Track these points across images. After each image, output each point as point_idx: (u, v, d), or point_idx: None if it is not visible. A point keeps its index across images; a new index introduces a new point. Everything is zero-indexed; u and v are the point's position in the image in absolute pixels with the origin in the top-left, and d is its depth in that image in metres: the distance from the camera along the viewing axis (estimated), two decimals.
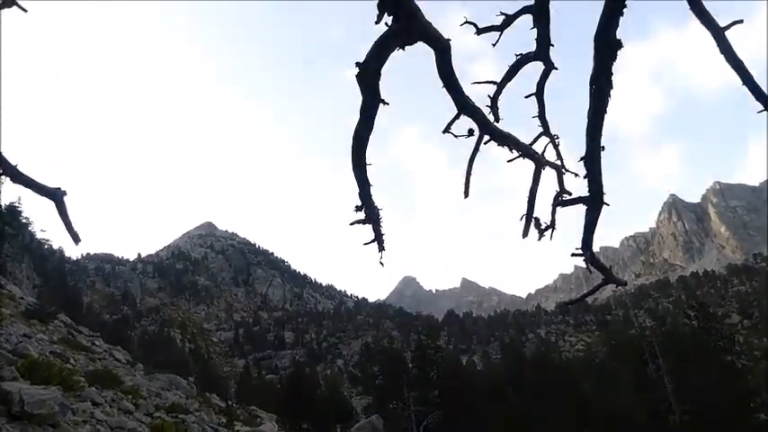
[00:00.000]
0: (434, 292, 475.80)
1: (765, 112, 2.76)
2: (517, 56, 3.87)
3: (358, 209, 3.10)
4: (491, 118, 4.10)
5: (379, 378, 45.49)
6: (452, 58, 2.79)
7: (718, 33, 2.68)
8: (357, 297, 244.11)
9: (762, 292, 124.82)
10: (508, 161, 3.67)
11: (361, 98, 2.67)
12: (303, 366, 70.13)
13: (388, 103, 2.62)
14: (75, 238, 2.29)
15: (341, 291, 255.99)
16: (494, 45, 3.98)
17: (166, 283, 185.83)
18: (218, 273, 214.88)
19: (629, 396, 30.60)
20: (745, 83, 2.75)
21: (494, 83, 3.91)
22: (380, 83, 2.67)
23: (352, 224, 3.41)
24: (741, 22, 2.79)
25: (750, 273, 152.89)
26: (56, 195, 2.24)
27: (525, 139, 4.09)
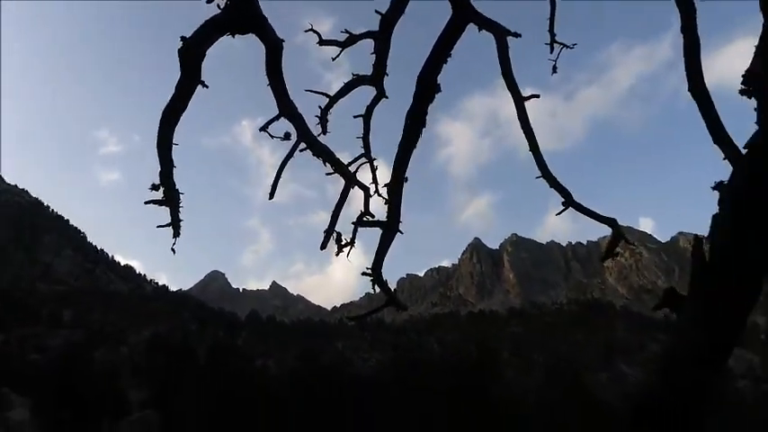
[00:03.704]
0: (241, 291, 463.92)
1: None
2: (354, 75, 4.00)
3: (155, 188, 2.91)
4: (318, 129, 4.18)
5: (164, 371, 42.89)
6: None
7: (519, 102, 3.06)
8: (157, 283, 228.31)
9: (532, 334, 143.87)
10: (326, 174, 3.75)
11: (180, 75, 2.54)
12: (79, 350, 63.48)
13: (207, 86, 2.52)
14: None
15: (140, 274, 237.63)
16: (333, 59, 4.07)
17: None
18: None
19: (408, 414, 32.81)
20: (531, 150, 3.16)
21: (326, 95, 3.97)
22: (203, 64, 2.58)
23: (147, 203, 3.19)
24: (538, 96, 3.22)
25: (525, 317, 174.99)
26: None
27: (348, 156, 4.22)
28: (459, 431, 33.35)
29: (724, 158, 2.55)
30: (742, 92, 1.94)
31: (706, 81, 2.77)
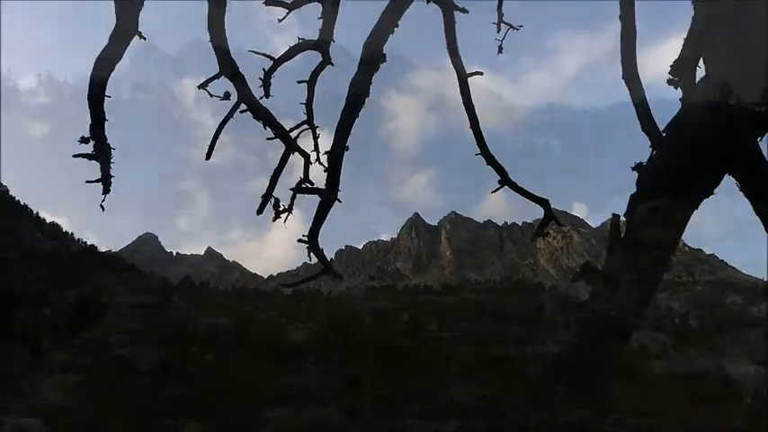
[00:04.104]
0: (174, 254, 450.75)
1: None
2: (300, 39, 3.91)
3: (84, 141, 2.77)
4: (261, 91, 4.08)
5: (89, 333, 41.56)
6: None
7: (463, 78, 3.10)
8: (85, 243, 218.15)
9: (464, 310, 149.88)
10: (267, 139, 3.68)
11: (115, 24, 2.41)
12: None
13: (145, 38, 2.40)
14: None
15: (67, 232, 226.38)
16: (280, 21, 3.97)
17: None
18: None
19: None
20: (471, 127, 3.22)
21: (271, 58, 3.87)
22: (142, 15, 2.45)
23: (75, 156, 3.04)
24: (481, 73, 3.27)
25: (458, 293, 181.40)
26: None
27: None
28: (385, 388, 34.43)
29: (650, 146, 2.69)
30: (669, 82, 2.05)
31: (647, 75, 2.89)
